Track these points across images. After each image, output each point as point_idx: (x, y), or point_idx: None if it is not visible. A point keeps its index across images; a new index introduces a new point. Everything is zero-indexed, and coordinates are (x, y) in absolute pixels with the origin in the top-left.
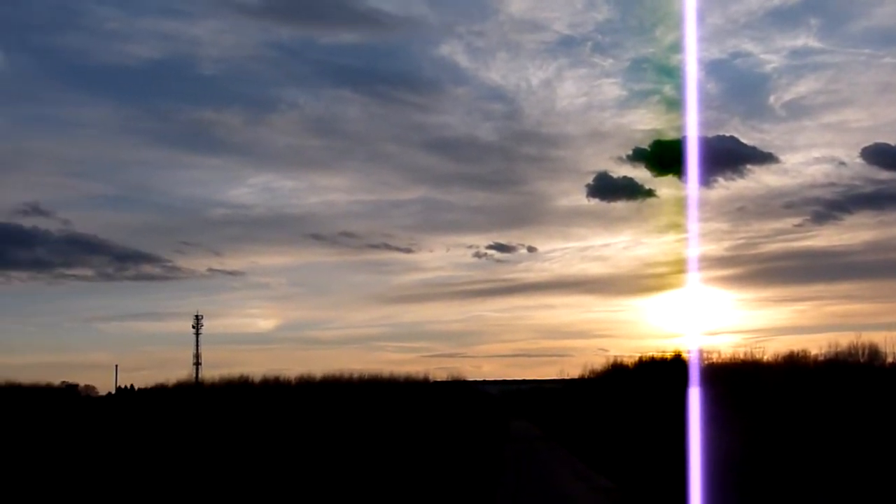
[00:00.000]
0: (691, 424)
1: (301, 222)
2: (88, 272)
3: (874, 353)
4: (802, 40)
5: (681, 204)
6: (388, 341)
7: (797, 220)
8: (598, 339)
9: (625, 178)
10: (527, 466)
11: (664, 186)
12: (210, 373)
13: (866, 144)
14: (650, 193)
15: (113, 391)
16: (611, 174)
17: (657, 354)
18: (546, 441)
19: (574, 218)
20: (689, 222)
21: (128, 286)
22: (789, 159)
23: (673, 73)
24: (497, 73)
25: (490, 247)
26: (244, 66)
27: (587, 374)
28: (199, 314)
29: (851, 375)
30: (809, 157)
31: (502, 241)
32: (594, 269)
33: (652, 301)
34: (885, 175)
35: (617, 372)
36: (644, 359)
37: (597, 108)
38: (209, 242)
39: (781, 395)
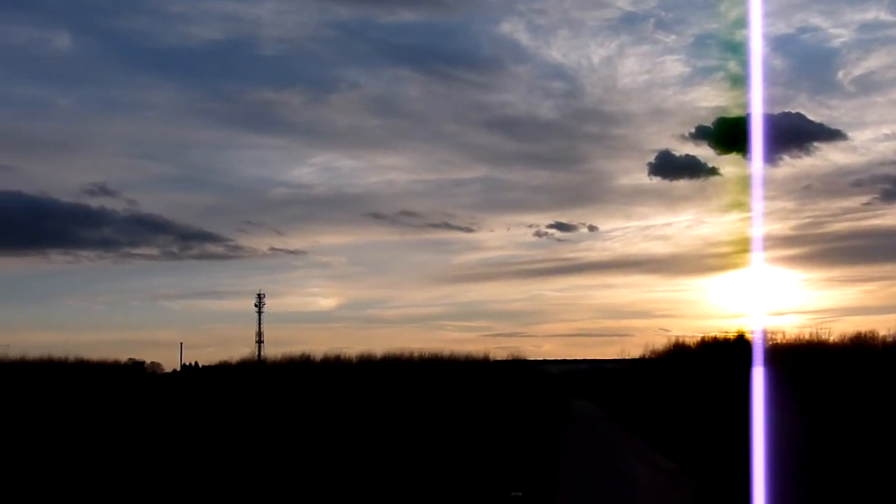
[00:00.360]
0: (755, 406)
1: (361, 201)
2: (154, 251)
3: None
4: (873, 13)
5: (745, 182)
6: (449, 320)
7: (865, 199)
8: (660, 319)
9: (687, 156)
10: (588, 447)
11: (728, 164)
12: (272, 351)
13: None
14: (713, 172)
15: (178, 368)
16: (673, 152)
17: (720, 335)
18: (607, 421)
19: (636, 197)
20: (753, 201)
21: (192, 265)
22: (858, 136)
23: (738, 49)
24: (558, 50)
25: (551, 226)
26: (305, 46)
27: (648, 354)
28: (262, 293)
29: None
30: (879, 133)
31: (563, 220)
32: (656, 248)
33: (715, 281)
34: None
35: (679, 352)
36: (706, 339)
37: (659, 85)
38: (271, 222)
39: (848, 377)
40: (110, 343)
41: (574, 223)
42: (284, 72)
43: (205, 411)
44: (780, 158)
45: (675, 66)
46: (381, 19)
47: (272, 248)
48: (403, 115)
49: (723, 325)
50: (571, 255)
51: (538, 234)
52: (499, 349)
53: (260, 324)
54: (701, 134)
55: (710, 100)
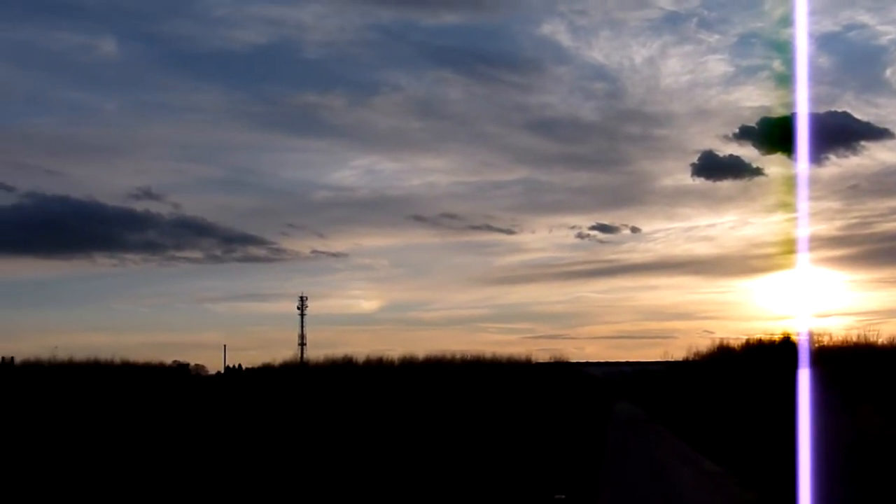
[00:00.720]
0: (801, 409)
1: (403, 204)
2: (198, 254)
3: None
4: None
5: (790, 182)
6: (491, 322)
7: None
8: (703, 321)
9: (731, 156)
10: (631, 449)
11: (773, 165)
12: (314, 353)
13: None
14: (758, 172)
15: (222, 370)
16: (717, 153)
17: (765, 337)
18: (650, 424)
19: (679, 198)
20: (798, 201)
21: (235, 267)
22: None
23: (782, 48)
24: (600, 51)
25: (593, 227)
26: (347, 49)
27: (692, 356)
28: (304, 295)
29: None
30: None
31: (605, 221)
32: (699, 249)
33: (760, 282)
34: None
35: (723, 355)
36: (751, 341)
37: (702, 85)
38: (313, 224)
39: None
40: (155, 345)
41: (616, 224)
42: (327, 75)
43: (248, 414)
44: (826, 158)
45: (718, 65)
46: (423, 22)
47: (314, 251)
48: (445, 117)
49: (768, 327)
50: (614, 256)
51: (580, 235)
52: (541, 351)
53: (302, 326)
54: (745, 134)
55: (755, 99)
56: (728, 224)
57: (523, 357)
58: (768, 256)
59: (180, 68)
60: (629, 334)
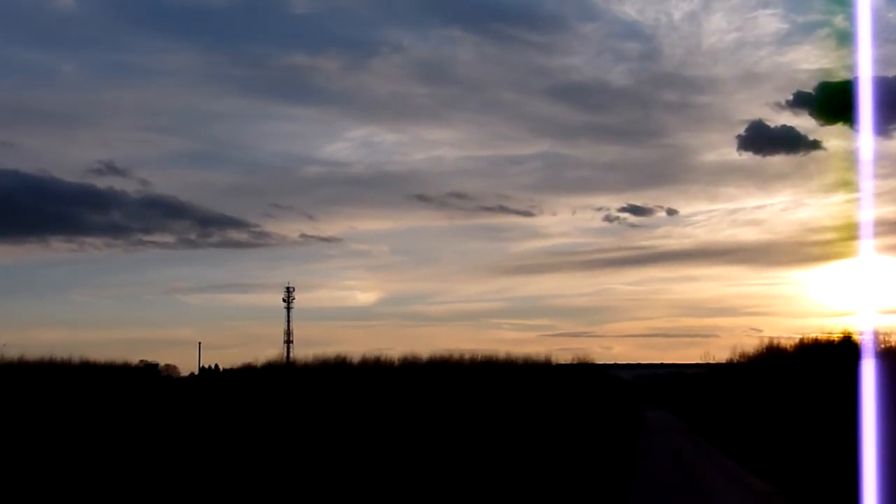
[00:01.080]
0: (864, 420)
1: (406, 181)
2: (169, 238)
3: None
4: None
5: (852, 157)
6: (505, 318)
7: None
8: (750, 317)
9: (784, 127)
10: (666, 464)
11: (832, 137)
12: (303, 352)
13: None
14: (815, 145)
15: (196, 371)
16: (767, 123)
17: (822, 336)
18: (688, 434)
19: (722, 175)
20: (862, 179)
21: (212, 254)
22: None
23: (845, 2)
24: (632, 6)
25: (623, 209)
26: (341, 4)
27: (737, 357)
28: (291, 286)
29: None
30: None
31: (637, 202)
32: (746, 234)
33: (816, 273)
34: None
35: (773, 356)
36: (806, 341)
37: (751, 45)
38: (302, 205)
39: None
40: (119, 342)
41: (650, 206)
42: (318, 33)
43: (224, 422)
44: (895, 129)
45: (769, 22)
46: None
47: (303, 235)
48: (454, 82)
49: (825, 324)
50: (647, 242)
51: (608, 218)
52: (562, 351)
53: (289, 321)
54: (800, 101)
55: (812, 61)
56: (779, 205)
57: (542, 358)
58: (826, 243)
59: (150, 25)
60: (664, 332)
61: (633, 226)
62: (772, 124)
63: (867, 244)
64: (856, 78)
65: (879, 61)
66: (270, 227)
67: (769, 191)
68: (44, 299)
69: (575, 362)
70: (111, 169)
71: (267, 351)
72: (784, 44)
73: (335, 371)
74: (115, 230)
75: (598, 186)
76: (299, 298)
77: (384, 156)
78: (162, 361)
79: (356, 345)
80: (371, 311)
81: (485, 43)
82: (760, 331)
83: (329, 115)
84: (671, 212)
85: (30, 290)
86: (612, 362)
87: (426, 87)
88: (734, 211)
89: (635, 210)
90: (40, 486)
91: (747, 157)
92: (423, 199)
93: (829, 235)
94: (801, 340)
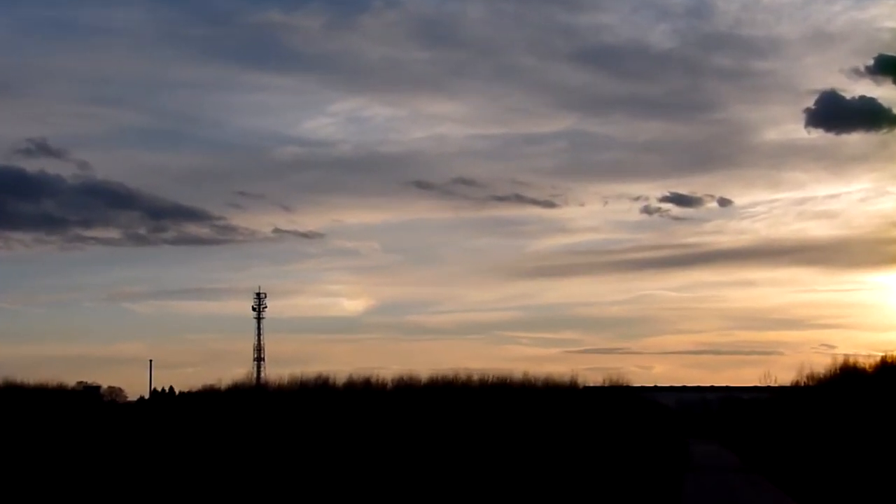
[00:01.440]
0: None
1: (401, 165)
2: (114, 233)
3: None
4: None
5: None
6: (522, 330)
7: None
8: (821, 329)
9: (862, 98)
10: None
11: None
12: (276, 371)
13: None
14: None
15: (146, 395)
16: (842, 94)
17: None
18: (746, 474)
19: (787, 157)
20: None
21: (166, 252)
22: None
23: None
24: None
25: (665, 199)
26: None
27: (805, 380)
28: (262, 291)
29: None
30: None
31: (683, 190)
32: (816, 229)
33: None
34: None
35: (849, 377)
36: (889, 359)
37: None
38: (275, 193)
39: None
40: (54, 360)
41: (698, 195)
42: None
43: (178, 459)
44: None
45: None
46: None
47: (277, 230)
48: (460, 44)
49: None
50: (694, 239)
51: (647, 210)
52: (591, 371)
53: (259, 334)
54: (882, 67)
55: None
56: (857, 195)
57: (567, 379)
58: None
59: None
60: (715, 348)
61: (677, 219)
62: (848, 95)
63: None
64: None
65: None
66: (237, 219)
67: (844, 176)
68: None
69: (606, 384)
70: (43, 149)
71: (233, 370)
72: None
73: (316, 395)
74: (47, 223)
75: (635, 171)
76: (272, 306)
77: (375, 134)
78: (105, 383)
79: (341, 363)
80: (359, 322)
81: None
82: (834, 347)
83: (308, 84)
84: (724, 202)
85: None
86: (651, 384)
87: (427, 51)
88: (801, 201)
89: (680, 200)
90: None
91: (818, 135)
92: (423, 187)
93: None
94: (884, 359)
